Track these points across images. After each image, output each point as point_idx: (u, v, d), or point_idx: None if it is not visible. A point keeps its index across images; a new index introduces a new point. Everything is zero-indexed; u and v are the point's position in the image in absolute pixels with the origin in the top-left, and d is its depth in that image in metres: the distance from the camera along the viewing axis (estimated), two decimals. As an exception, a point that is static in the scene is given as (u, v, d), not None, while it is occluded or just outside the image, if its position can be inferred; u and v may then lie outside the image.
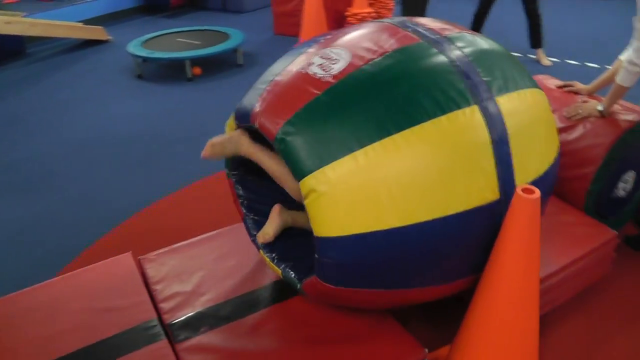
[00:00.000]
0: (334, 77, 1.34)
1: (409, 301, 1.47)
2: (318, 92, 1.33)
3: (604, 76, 2.29)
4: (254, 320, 1.56)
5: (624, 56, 2.10)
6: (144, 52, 4.45)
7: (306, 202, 1.26)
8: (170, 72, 4.62)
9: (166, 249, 1.87)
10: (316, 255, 1.31)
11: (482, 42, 1.48)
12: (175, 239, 1.93)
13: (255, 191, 1.76)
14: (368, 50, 1.40)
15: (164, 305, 1.62)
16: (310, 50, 1.49)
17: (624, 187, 2.28)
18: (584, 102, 2.28)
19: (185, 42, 4.80)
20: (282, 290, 1.66)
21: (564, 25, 5.66)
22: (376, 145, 1.24)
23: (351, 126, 1.27)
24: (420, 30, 1.48)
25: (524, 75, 1.48)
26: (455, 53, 1.39)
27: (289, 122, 1.30)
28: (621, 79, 2.08)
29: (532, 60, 4.55)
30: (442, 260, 1.35)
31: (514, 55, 1.70)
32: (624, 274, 2.15)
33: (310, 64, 1.41)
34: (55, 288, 1.72)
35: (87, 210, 2.67)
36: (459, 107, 1.30)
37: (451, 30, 1.50)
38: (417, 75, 1.33)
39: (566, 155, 2.13)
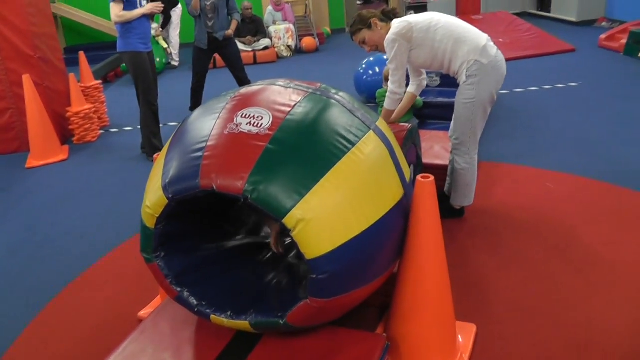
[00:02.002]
0: (270, 129, 1.57)
1: (375, 289, 1.77)
2: (264, 143, 1.54)
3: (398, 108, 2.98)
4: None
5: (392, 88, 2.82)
6: None
7: (294, 234, 1.45)
8: None
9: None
10: (312, 276, 1.50)
11: (340, 91, 1.90)
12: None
13: (182, 264, 1.78)
14: (281, 104, 1.67)
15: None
16: (223, 116, 1.65)
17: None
18: None
19: None
20: (245, 343, 1.74)
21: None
22: (329, 174, 1.52)
23: (307, 163, 1.52)
24: (301, 86, 1.82)
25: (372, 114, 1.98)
26: (337, 97, 1.79)
27: (253, 174, 1.47)
28: (386, 104, 2.85)
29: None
30: (390, 247, 1.70)
31: None
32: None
33: (238, 125, 1.60)
34: None
35: None
36: (364, 133, 1.69)
37: (316, 84, 1.89)
38: (325, 120, 1.67)
39: None
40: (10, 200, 3.91)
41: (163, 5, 4.18)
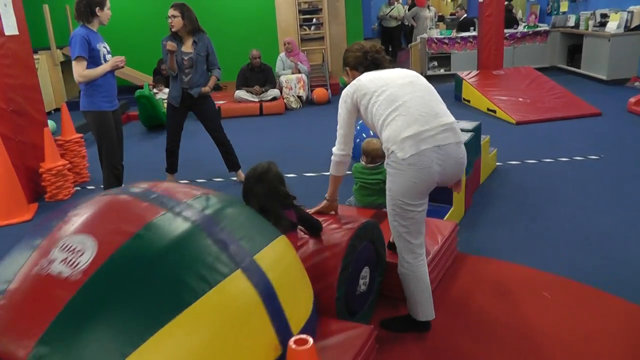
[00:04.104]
0: (84, 272, 1.16)
1: None
2: (69, 294, 1.12)
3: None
4: None
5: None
6: None
7: None
8: None
9: None
10: None
11: (224, 202, 1.48)
12: None
13: None
14: (115, 232, 1.25)
15: None
16: (45, 242, 1.27)
17: (364, 282, 2.54)
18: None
19: None
20: None
21: (248, 144, 6.23)
22: (151, 340, 1.09)
23: (119, 325, 1.10)
24: (163, 199, 1.40)
25: (268, 226, 1.54)
26: (205, 219, 1.36)
27: (41, 341, 1.05)
28: (331, 170, 2.50)
29: (235, 183, 4.84)
30: None
31: (250, 209, 1.79)
32: None
33: (50, 262, 1.19)
34: None
35: None
36: (224, 276, 1.25)
37: (192, 194, 1.47)
38: (175, 253, 1.24)
39: (308, 270, 2.31)
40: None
41: (124, 59, 3.88)
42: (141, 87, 7.12)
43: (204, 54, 4.54)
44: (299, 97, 8.50)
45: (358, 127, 4.84)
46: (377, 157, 3.35)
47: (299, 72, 8.60)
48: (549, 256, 3.17)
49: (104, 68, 3.75)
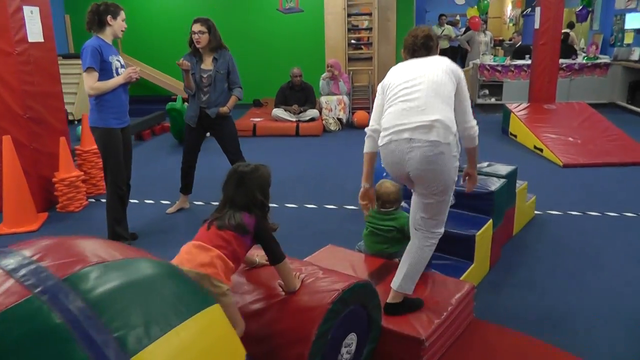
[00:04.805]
0: None
1: None
2: None
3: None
4: None
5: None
6: None
7: None
8: None
9: None
10: None
11: (120, 274, 1.16)
12: None
13: None
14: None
15: None
16: None
17: (348, 350, 2.22)
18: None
19: None
20: None
21: (274, 165, 5.97)
22: None
23: None
24: (39, 274, 1.11)
25: (190, 298, 1.22)
26: (76, 304, 1.05)
27: None
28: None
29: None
30: None
31: (178, 272, 1.48)
32: None
33: None
34: None
35: None
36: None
37: (81, 264, 1.16)
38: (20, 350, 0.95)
39: (275, 336, 2.09)
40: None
41: (138, 70, 3.69)
42: (174, 100, 7.01)
43: (224, 71, 4.30)
44: (339, 119, 8.21)
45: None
46: (387, 201, 3.02)
47: (340, 93, 8.31)
48: (582, 337, 2.70)
49: (116, 81, 3.57)
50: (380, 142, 2.39)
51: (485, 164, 3.77)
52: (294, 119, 7.85)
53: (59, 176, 4.59)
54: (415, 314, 2.49)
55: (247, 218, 2.13)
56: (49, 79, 4.63)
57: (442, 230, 2.52)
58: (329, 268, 2.45)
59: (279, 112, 7.93)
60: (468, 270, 3.09)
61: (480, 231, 3.17)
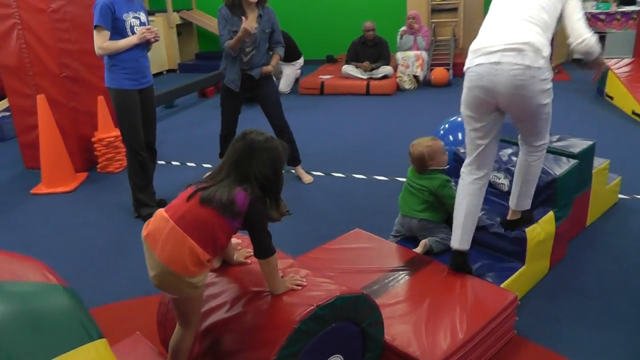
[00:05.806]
0: None
1: None
2: None
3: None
4: None
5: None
6: None
7: None
8: None
9: None
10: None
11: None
12: None
13: None
14: None
15: None
16: None
17: (333, 375, 1.81)
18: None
19: None
20: None
21: (332, 128, 5.53)
22: None
23: None
24: None
25: (70, 333, 1.14)
26: None
27: None
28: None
29: (292, 177, 4.18)
30: None
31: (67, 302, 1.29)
32: None
33: None
34: None
35: None
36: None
37: None
38: None
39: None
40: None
41: (156, 31, 3.35)
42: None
43: (268, 30, 3.86)
44: (415, 76, 7.49)
45: (442, 131, 3.82)
46: (420, 163, 2.79)
47: (418, 48, 7.56)
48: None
49: (128, 41, 3.26)
50: (466, 66, 2.33)
51: (556, 137, 3.05)
52: (365, 77, 7.26)
53: (97, 136, 4.47)
54: (437, 327, 2.02)
55: (242, 196, 1.70)
56: (89, 36, 4.43)
57: (545, 141, 2.44)
58: (343, 261, 2.39)
59: (348, 69, 7.38)
60: (515, 275, 2.50)
61: (532, 226, 2.55)
